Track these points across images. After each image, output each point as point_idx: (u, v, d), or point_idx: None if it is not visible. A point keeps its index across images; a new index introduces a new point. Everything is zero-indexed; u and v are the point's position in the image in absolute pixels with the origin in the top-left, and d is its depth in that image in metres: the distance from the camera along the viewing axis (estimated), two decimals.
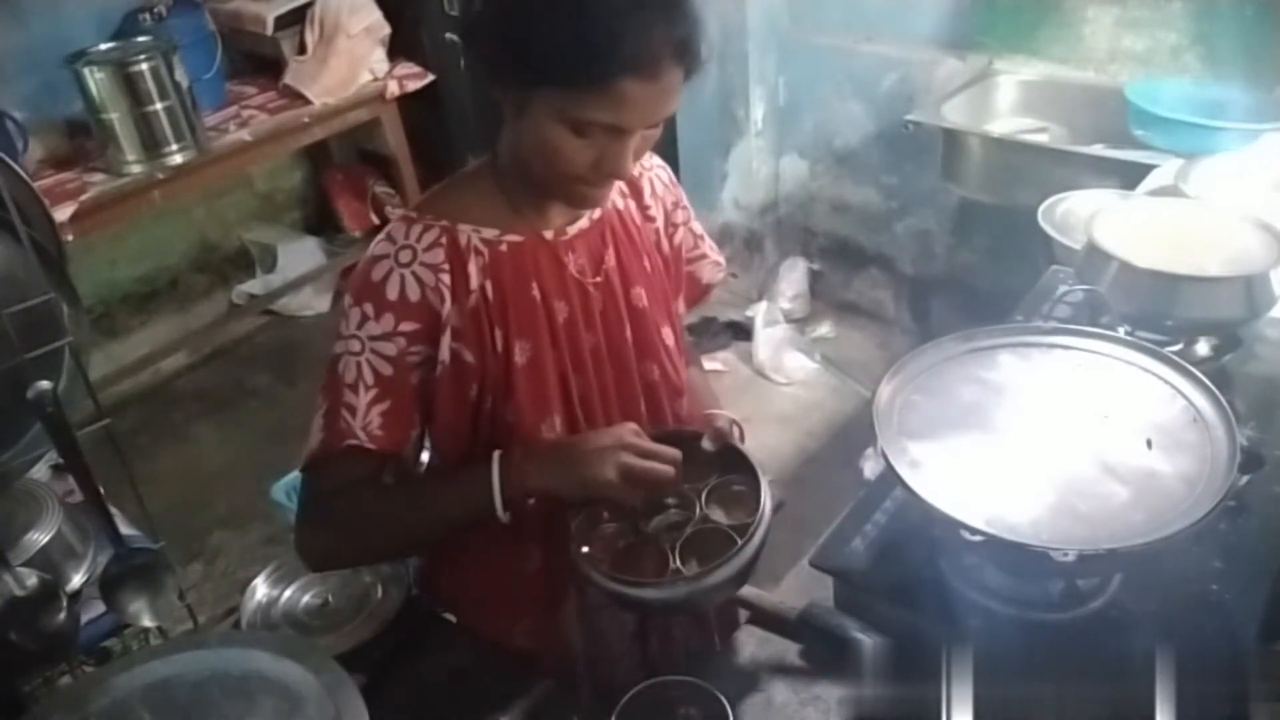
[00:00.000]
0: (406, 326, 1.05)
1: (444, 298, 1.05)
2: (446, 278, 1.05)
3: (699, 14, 0.96)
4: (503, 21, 0.96)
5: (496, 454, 1.05)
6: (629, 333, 1.16)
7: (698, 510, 1.07)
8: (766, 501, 1.04)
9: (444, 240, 1.06)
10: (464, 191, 1.11)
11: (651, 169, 1.22)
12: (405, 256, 1.05)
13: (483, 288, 1.07)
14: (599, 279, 1.13)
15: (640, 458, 1.02)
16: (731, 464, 1.10)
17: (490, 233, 1.08)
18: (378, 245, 1.07)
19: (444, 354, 1.07)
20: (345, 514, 1.09)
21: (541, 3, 0.94)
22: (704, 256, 1.30)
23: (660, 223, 1.23)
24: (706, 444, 1.10)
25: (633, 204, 1.19)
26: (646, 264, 1.18)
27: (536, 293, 1.09)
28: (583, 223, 1.13)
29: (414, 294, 1.05)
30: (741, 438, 1.20)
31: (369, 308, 1.05)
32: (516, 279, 1.08)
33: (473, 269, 1.06)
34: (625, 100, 0.93)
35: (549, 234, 1.11)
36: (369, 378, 1.05)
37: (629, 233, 1.17)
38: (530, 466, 1.05)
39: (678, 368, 1.23)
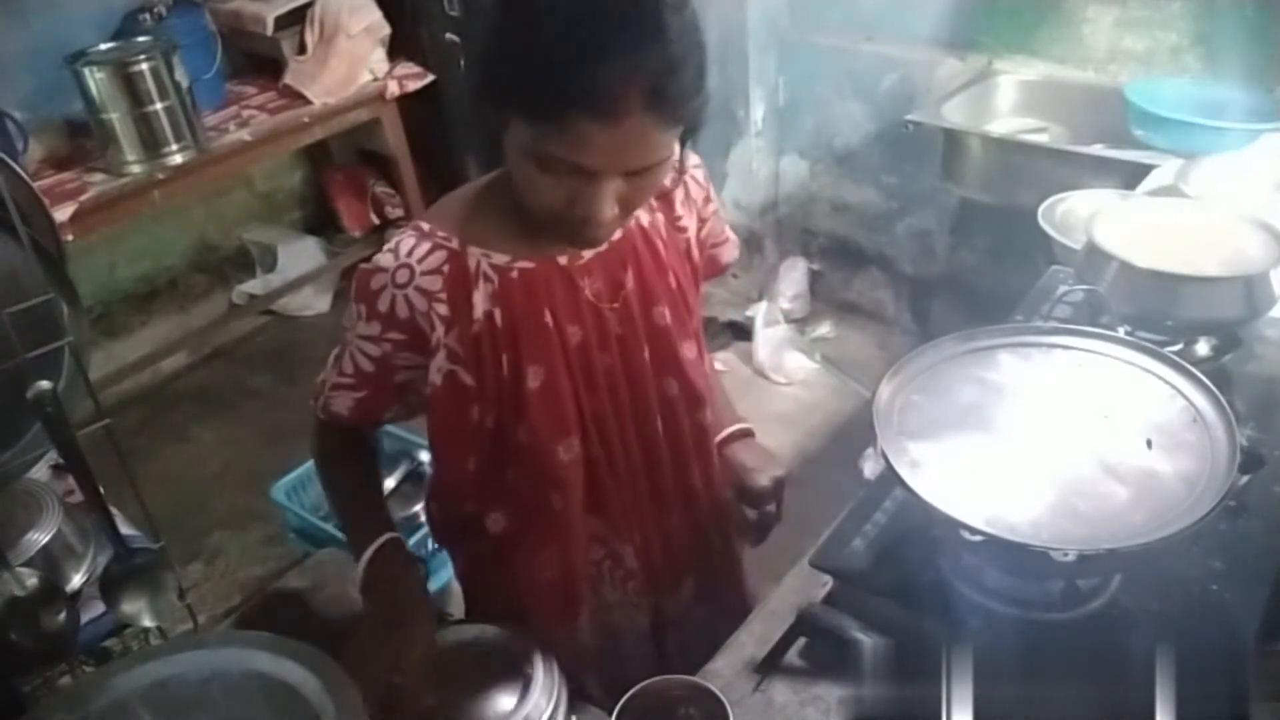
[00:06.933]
0: (394, 335, 1.07)
1: (434, 324, 1.05)
2: (443, 307, 1.04)
3: (684, 63, 0.89)
4: (481, 45, 0.95)
5: (374, 547, 1.11)
6: (646, 353, 1.13)
7: None
8: None
9: (447, 267, 1.04)
10: (480, 207, 1.08)
11: (686, 172, 1.15)
12: (402, 276, 1.04)
13: (490, 314, 1.05)
14: (616, 304, 1.10)
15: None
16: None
17: (501, 258, 1.05)
18: (383, 255, 1.06)
19: (435, 376, 1.07)
20: (317, 462, 1.23)
21: (510, 30, 0.91)
22: (726, 240, 1.29)
23: (692, 230, 1.18)
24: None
25: (661, 217, 1.14)
26: (671, 279, 1.14)
27: (549, 319, 1.07)
28: (601, 246, 1.08)
29: (403, 313, 1.05)
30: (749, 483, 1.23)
31: (363, 309, 1.06)
32: (528, 306, 1.06)
33: (479, 297, 1.04)
34: (583, 140, 0.88)
35: (563, 259, 1.07)
36: (348, 367, 1.11)
37: (654, 250, 1.13)
38: (366, 590, 1.10)
39: (698, 379, 1.20)
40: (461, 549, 1.28)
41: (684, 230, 1.17)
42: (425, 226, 1.06)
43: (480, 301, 1.04)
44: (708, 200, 1.22)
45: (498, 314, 1.05)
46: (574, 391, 1.10)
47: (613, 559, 1.24)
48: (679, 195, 1.16)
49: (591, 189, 0.92)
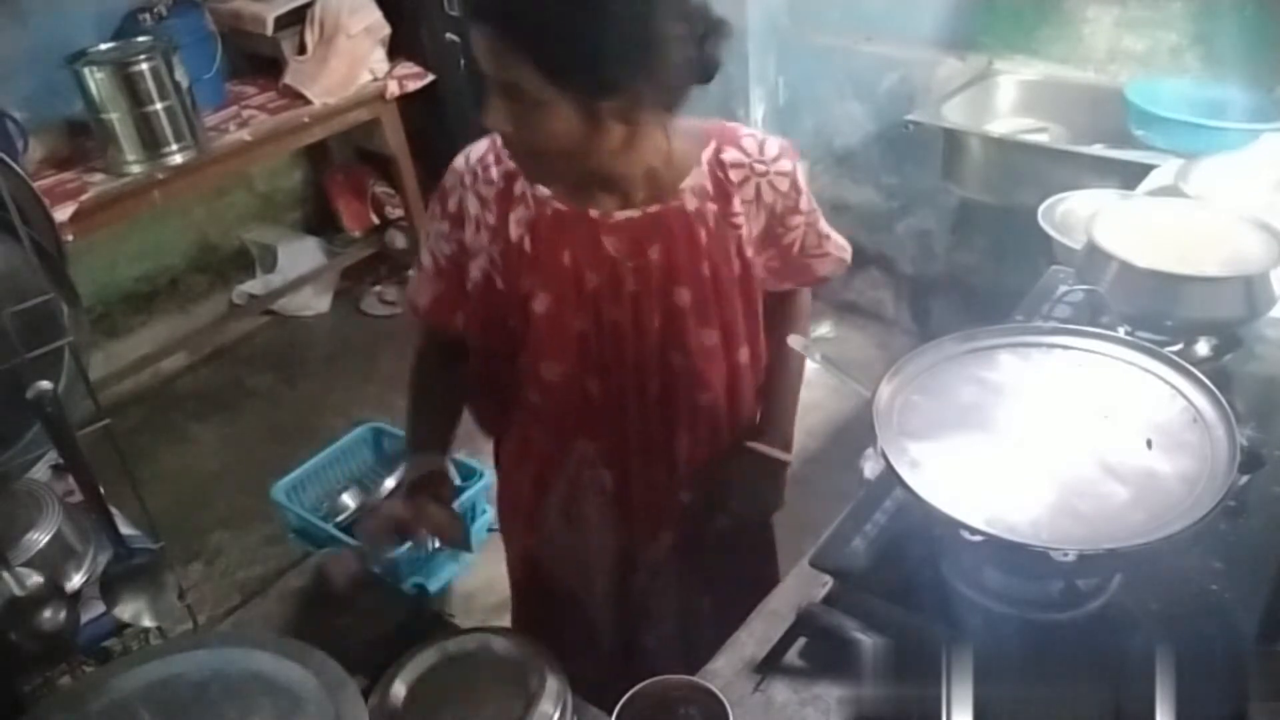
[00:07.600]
0: (459, 235, 1.20)
1: (480, 228, 1.17)
2: (491, 216, 1.17)
3: (561, 9, 0.97)
4: None
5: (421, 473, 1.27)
6: (657, 322, 1.18)
7: None
8: None
9: (503, 183, 1.16)
10: None
11: (766, 175, 1.19)
12: (468, 179, 1.19)
13: (521, 238, 1.15)
14: (632, 264, 1.16)
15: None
16: None
17: (544, 192, 1.15)
18: (459, 158, 1.20)
19: (476, 274, 1.19)
20: (412, 365, 1.36)
21: None
22: (825, 254, 1.30)
23: (749, 231, 1.20)
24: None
25: (714, 207, 1.17)
26: (705, 268, 1.17)
27: (568, 260, 1.15)
28: (633, 212, 1.15)
29: (466, 212, 1.18)
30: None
31: (437, 208, 1.22)
32: (551, 243, 1.15)
33: (515, 217, 1.16)
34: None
35: (595, 213, 1.15)
36: (427, 261, 1.26)
37: (691, 235, 1.16)
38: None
39: (710, 366, 1.23)
40: (500, 430, 1.40)
41: (738, 228, 1.19)
42: (499, 140, 1.15)
43: (515, 222, 1.16)
44: (794, 210, 1.23)
45: (526, 240, 1.15)
46: (580, 329, 1.18)
47: (596, 483, 1.30)
48: (743, 194, 1.18)
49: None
